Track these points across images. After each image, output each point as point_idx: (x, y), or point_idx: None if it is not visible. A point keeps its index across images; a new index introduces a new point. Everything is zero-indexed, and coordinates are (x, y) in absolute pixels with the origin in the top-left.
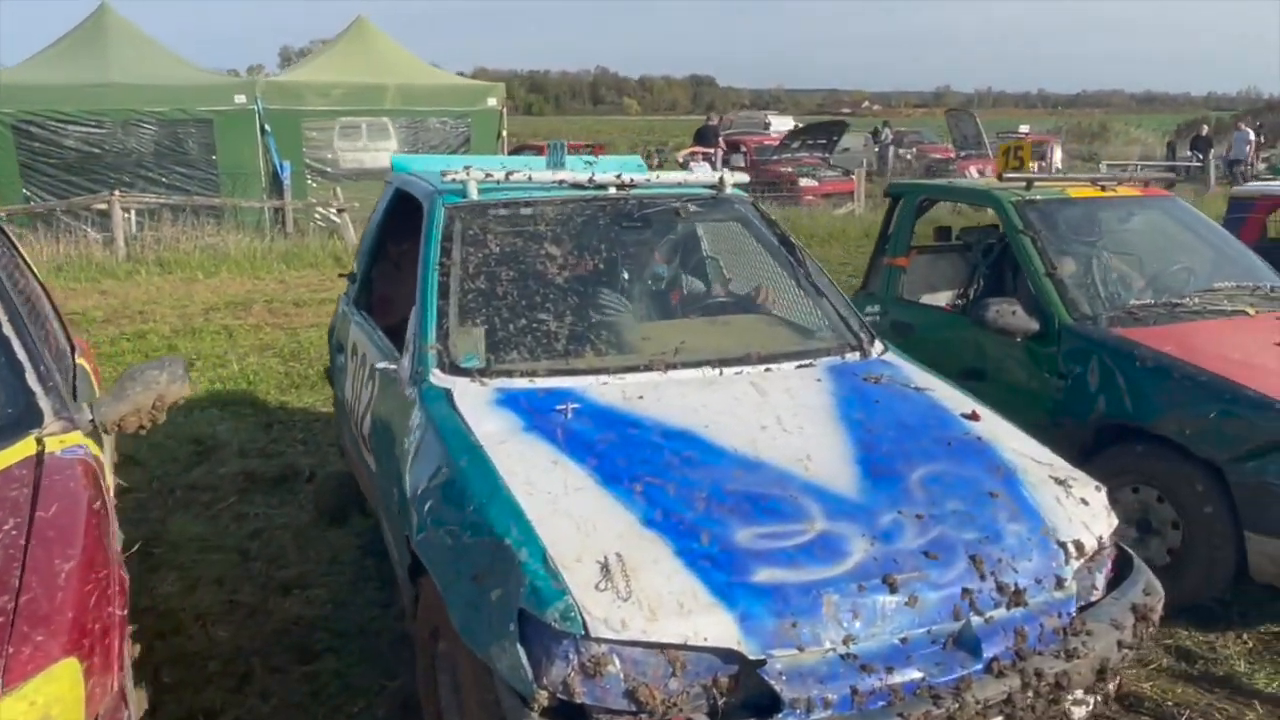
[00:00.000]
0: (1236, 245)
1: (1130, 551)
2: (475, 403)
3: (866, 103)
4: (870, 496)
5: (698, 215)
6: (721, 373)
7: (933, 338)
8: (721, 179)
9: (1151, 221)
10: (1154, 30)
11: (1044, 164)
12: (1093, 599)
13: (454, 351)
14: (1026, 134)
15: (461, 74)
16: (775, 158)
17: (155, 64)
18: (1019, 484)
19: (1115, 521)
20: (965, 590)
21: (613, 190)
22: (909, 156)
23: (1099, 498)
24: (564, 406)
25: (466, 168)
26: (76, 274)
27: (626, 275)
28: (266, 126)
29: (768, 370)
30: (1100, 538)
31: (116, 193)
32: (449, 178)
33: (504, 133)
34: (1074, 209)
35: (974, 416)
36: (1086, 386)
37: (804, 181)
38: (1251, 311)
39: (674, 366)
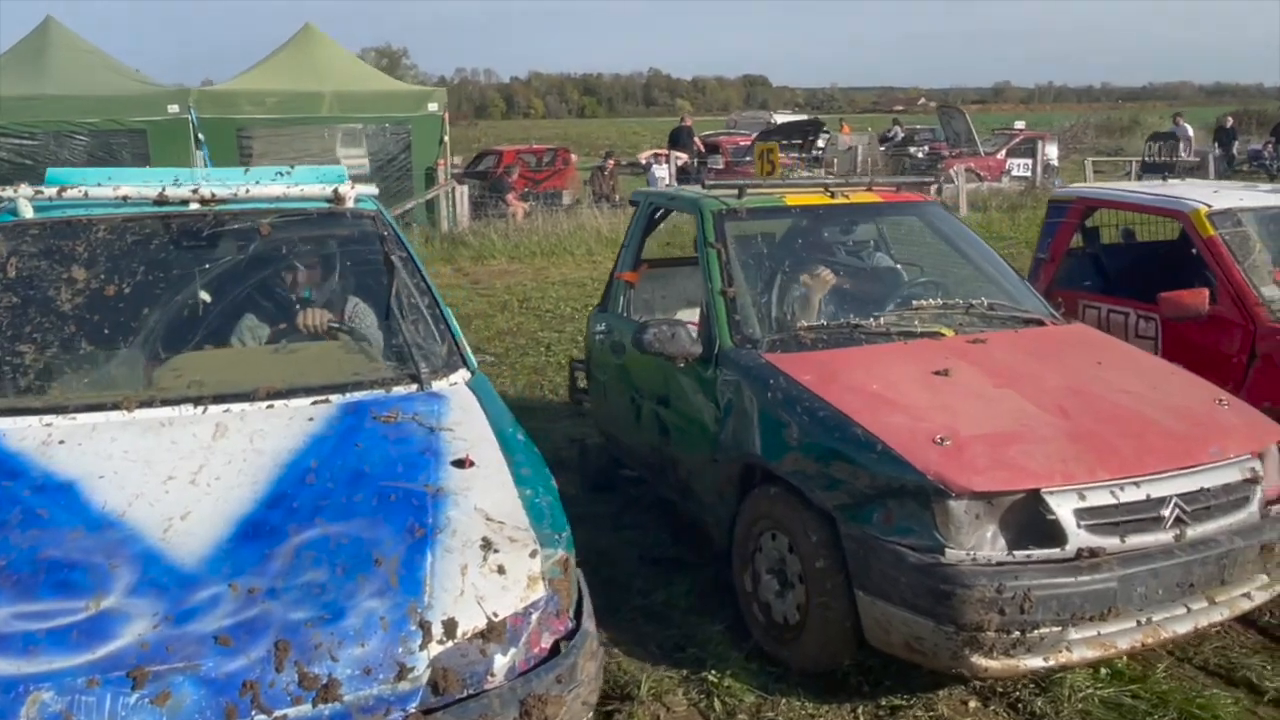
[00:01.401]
0: (990, 257)
1: (585, 629)
2: None
3: (923, 100)
4: (210, 566)
5: (294, 231)
6: (205, 411)
7: (637, 360)
8: (336, 191)
9: (892, 230)
10: (1225, 20)
11: (1034, 160)
12: (485, 687)
13: None
14: (1021, 130)
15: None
16: (748, 159)
17: (92, 75)
18: (428, 548)
19: (540, 594)
20: (248, 684)
21: (194, 206)
22: (920, 155)
23: (528, 566)
24: None
25: (16, 185)
26: None
27: (208, 298)
28: (200, 136)
29: (269, 407)
30: (495, 614)
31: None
32: None
33: (446, 138)
34: (785, 219)
35: (464, 464)
36: (734, 418)
37: None
38: (948, 333)
39: (149, 404)
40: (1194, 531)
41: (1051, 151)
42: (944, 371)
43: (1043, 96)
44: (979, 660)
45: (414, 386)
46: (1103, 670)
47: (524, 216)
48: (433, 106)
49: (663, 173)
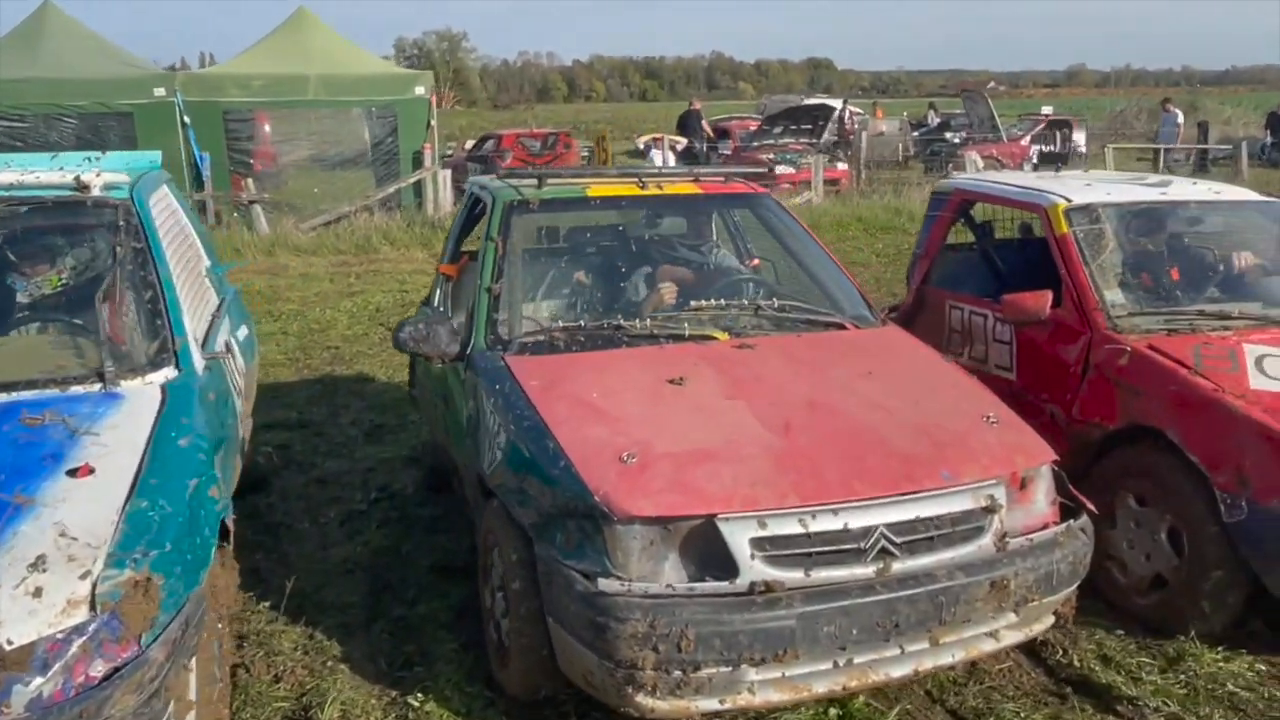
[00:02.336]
0: (815, 254)
1: (145, 658)
2: None
3: (992, 83)
4: None
5: (26, 220)
6: None
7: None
8: (79, 179)
9: (714, 224)
10: None
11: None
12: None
13: None
14: (1048, 115)
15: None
16: (756, 144)
17: (82, 58)
18: None
19: (81, 619)
20: None
21: None
22: (956, 140)
23: (72, 588)
24: None
25: None
26: None
27: None
28: (186, 119)
29: None
30: (9, 641)
31: None
32: None
33: (433, 122)
34: (584, 210)
35: (78, 472)
36: (470, 424)
37: (781, 168)
38: (721, 336)
39: None
40: (902, 565)
41: (1079, 138)
42: (679, 380)
43: (1119, 80)
44: (644, 700)
45: (97, 386)
46: (832, 710)
47: None
48: (419, 89)
49: (660, 158)
